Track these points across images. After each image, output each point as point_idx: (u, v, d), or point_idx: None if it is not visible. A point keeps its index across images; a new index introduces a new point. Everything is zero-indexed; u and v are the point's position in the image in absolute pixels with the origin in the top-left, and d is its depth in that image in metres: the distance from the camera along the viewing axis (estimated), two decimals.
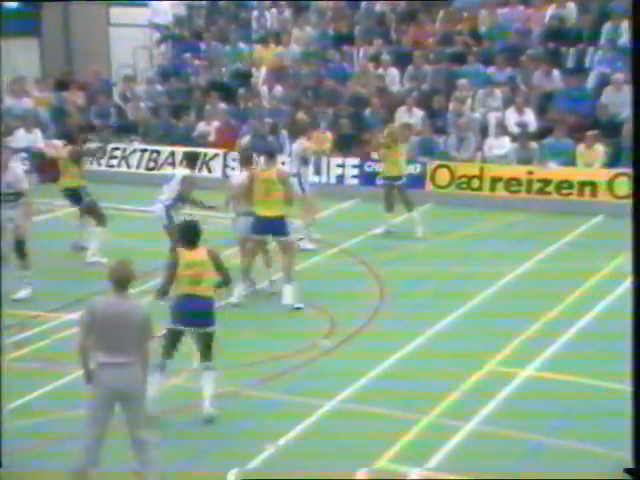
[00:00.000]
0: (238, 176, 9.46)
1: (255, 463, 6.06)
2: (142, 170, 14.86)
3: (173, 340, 6.66)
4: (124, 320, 5.34)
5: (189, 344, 6.77)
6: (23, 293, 9.19)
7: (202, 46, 17.12)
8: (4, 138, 14.52)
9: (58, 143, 14.12)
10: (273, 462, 6.11)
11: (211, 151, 14.39)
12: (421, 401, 6.93)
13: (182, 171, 9.53)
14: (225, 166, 14.40)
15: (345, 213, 12.86)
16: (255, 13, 17.47)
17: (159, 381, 6.55)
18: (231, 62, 16.52)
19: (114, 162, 15.06)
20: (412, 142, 13.52)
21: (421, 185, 13.27)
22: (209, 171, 14.19)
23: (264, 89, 15.77)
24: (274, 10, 17.34)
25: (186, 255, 6.52)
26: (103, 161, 14.87)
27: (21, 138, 14.72)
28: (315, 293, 9.17)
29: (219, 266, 6.65)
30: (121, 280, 5.41)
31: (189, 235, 6.55)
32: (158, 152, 14.83)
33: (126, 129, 15.56)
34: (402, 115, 14.18)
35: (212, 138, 14.90)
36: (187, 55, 16.96)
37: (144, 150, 14.98)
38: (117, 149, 15.05)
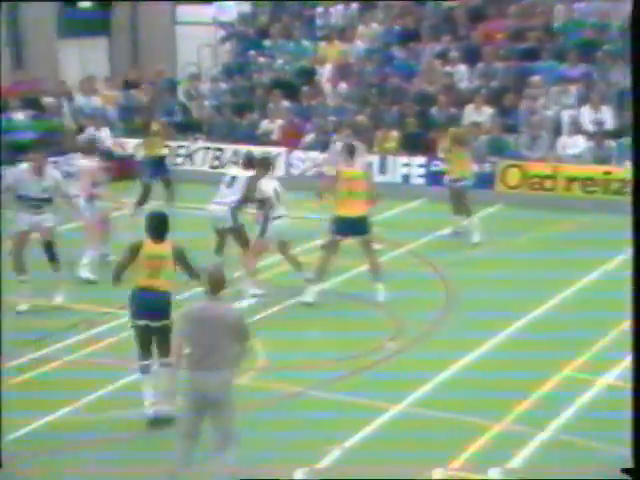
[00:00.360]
0: (264, 182, 9.07)
1: (320, 465, 5.92)
2: (206, 168, 14.89)
3: (142, 337, 6.49)
4: (218, 324, 5.36)
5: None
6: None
7: (266, 43, 17.09)
8: (76, 136, 14.77)
9: (125, 141, 14.30)
10: (338, 464, 5.95)
11: (275, 149, 14.32)
12: (492, 408, 6.65)
13: (245, 173, 9.39)
14: (289, 164, 14.31)
15: (411, 213, 12.60)
16: (319, 10, 17.36)
17: (150, 383, 6.43)
18: (295, 59, 16.43)
19: (178, 160, 15.15)
20: (481, 141, 13.17)
21: (491, 185, 12.91)
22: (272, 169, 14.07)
23: (328, 86, 15.62)
24: (340, 6, 17.18)
25: (150, 246, 6.43)
26: (169, 159, 14.96)
27: None
28: None
29: (186, 264, 6.56)
30: (215, 284, 5.44)
31: (157, 227, 6.42)
32: (222, 150, 14.84)
33: (191, 127, 15.63)
34: (470, 113, 13.84)
35: (275, 136, 14.82)
36: (251, 53, 16.95)
37: (208, 148, 15.01)
38: (182, 147, 15.13)
